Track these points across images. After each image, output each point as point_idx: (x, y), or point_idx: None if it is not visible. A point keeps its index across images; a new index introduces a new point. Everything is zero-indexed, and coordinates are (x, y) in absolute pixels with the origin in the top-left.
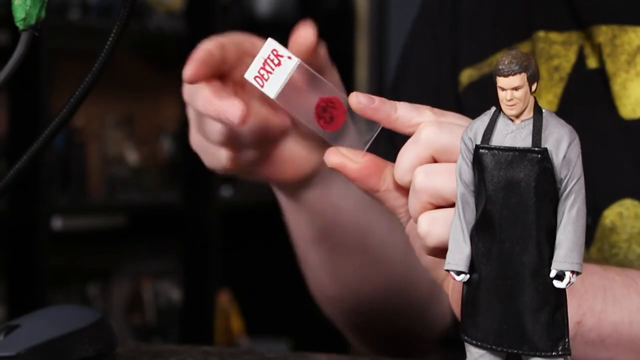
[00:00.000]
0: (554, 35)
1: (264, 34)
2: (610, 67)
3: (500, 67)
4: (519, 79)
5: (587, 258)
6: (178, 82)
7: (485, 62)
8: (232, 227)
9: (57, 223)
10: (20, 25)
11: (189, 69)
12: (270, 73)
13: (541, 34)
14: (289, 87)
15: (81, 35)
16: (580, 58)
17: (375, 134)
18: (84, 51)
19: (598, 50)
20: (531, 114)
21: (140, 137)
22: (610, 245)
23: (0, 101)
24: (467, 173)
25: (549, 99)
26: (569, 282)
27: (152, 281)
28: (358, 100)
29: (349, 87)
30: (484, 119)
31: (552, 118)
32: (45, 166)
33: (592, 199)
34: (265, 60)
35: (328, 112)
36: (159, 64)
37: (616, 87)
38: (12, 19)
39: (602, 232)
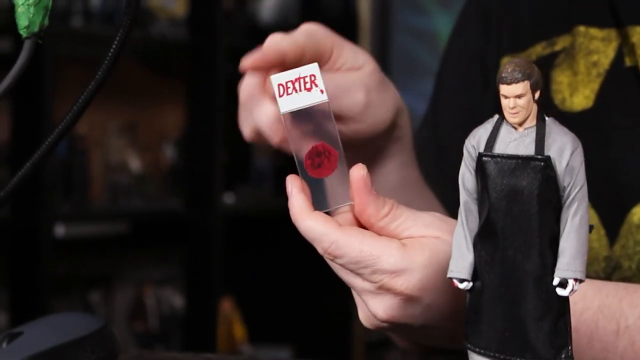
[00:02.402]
0: (595, 31)
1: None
2: None
3: (503, 74)
4: (522, 87)
5: (610, 254)
6: (181, 89)
7: (524, 52)
8: (235, 234)
9: (60, 230)
10: (23, 32)
11: (251, 62)
12: (296, 92)
13: (581, 28)
14: (301, 114)
15: (84, 43)
16: (619, 55)
17: (341, 207)
18: (87, 58)
19: (632, 49)
20: (534, 122)
21: (142, 144)
22: (635, 242)
23: (3, 108)
24: (470, 181)
25: (586, 94)
26: (572, 289)
27: (155, 288)
28: (363, 175)
29: None
30: (487, 127)
31: (555, 126)
32: (48, 173)
33: (620, 196)
34: (299, 78)
35: (320, 159)
36: (162, 71)
37: None
38: (15, 26)
39: (628, 229)
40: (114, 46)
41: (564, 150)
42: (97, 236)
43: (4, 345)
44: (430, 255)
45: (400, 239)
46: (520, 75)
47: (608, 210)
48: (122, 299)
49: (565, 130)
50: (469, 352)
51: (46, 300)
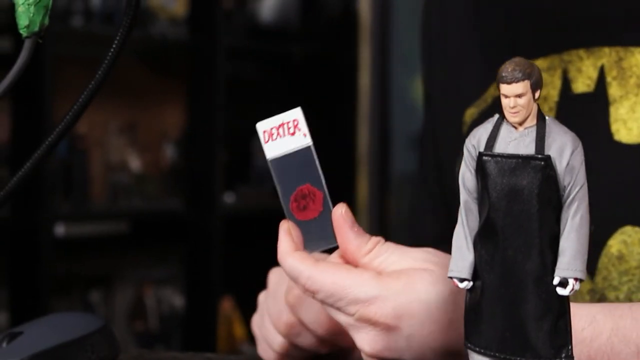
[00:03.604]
0: (540, 62)
1: (266, 41)
2: (615, 90)
3: (503, 74)
4: (522, 87)
5: (593, 287)
6: (181, 88)
7: (481, 98)
8: (235, 233)
9: (60, 230)
10: (23, 32)
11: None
12: (280, 137)
13: None
14: (287, 158)
15: (84, 42)
16: (565, 82)
17: (327, 248)
18: (87, 58)
19: (600, 72)
20: (534, 121)
21: (143, 144)
22: (620, 274)
23: (4, 108)
24: (470, 180)
25: None
26: (572, 289)
27: (155, 288)
28: (342, 213)
29: (352, 95)
30: (487, 126)
31: (555, 125)
32: (48, 173)
33: (594, 229)
34: (283, 124)
35: (305, 200)
36: (162, 71)
37: (622, 110)
38: (15, 26)
39: (608, 261)
40: (114, 46)
41: (564, 150)
42: (97, 236)
43: (4, 344)
44: (405, 282)
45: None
46: (520, 75)
47: None
48: (122, 299)
49: (565, 129)
50: (469, 351)
51: (46, 300)
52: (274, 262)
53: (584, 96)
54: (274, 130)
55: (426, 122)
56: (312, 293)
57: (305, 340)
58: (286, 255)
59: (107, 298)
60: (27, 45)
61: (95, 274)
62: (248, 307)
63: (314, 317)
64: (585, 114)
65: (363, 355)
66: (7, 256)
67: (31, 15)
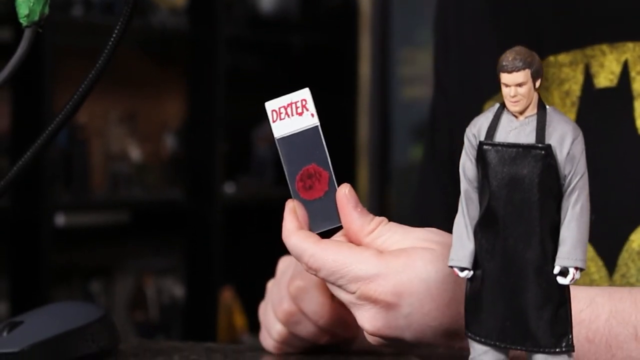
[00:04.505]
0: (563, 57)
1: (266, 31)
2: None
3: (504, 63)
4: (522, 76)
5: (611, 284)
6: (181, 78)
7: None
8: (235, 223)
9: (60, 220)
10: (23, 21)
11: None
12: (288, 116)
13: (551, 58)
14: (294, 137)
15: (84, 32)
16: (587, 77)
17: (331, 227)
18: (87, 48)
19: (624, 67)
20: (535, 110)
21: (143, 133)
22: (638, 270)
23: (4, 98)
24: (471, 169)
25: None
26: (573, 278)
27: (155, 278)
28: (346, 193)
29: (352, 84)
30: (488, 115)
31: (555, 114)
32: (48, 163)
33: (614, 224)
34: (291, 103)
35: (311, 180)
36: (162, 61)
37: None
38: (15, 15)
39: (628, 257)
40: (114, 35)
41: (565, 139)
42: (97, 226)
43: (5, 334)
44: (406, 260)
45: None
46: (521, 64)
47: (603, 240)
48: (122, 289)
49: (566, 118)
50: (469, 340)
51: (46, 290)
52: (274, 252)
53: (606, 91)
54: (282, 110)
55: (439, 115)
56: (314, 271)
57: (305, 330)
58: (290, 234)
59: (107, 288)
60: (27, 34)
61: (95, 264)
62: (248, 297)
63: (315, 308)
64: (609, 108)
65: (365, 334)
66: (7, 246)
67: (31, 4)
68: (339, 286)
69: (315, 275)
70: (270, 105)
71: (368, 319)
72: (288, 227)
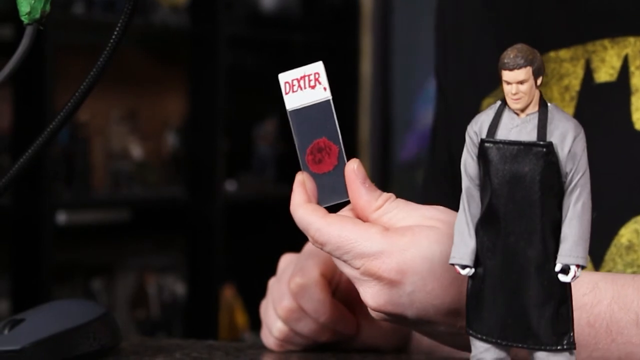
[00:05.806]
0: (563, 53)
1: (267, 30)
2: (638, 80)
3: (505, 60)
4: (524, 73)
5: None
6: (183, 76)
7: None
8: (236, 221)
9: (61, 218)
10: (25, 19)
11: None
12: (301, 89)
13: (552, 54)
14: (306, 110)
15: (86, 30)
16: (588, 72)
17: (338, 202)
18: (89, 45)
19: (624, 61)
20: (536, 108)
21: (144, 131)
22: (625, 265)
23: (5, 95)
24: (472, 167)
25: None
26: (574, 276)
27: (157, 276)
28: (354, 168)
29: (353, 83)
30: (489, 113)
31: (557, 112)
32: (50, 161)
33: (607, 217)
34: (304, 76)
35: (321, 154)
36: (164, 59)
37: None
38: (17, 12)
39: (616, 252)
40: (115, 33)
41: (566, 136)
42: (98, 224)
43: (6, 331)
44: (411, 239)
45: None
46: (522, 61)
47: (592, 234)
48: (123, 287)
49: (568, 116)
50: (471, 338)
51: (48, 288)
52: (276, 250)
53: (605, 86)
54: (295, 82)
55: (439, 115)
56: (320, 245)
57: (306, 327)
58: (298, 207)
59: (108, 286)
60: (28, 32)
61: (96, 262)
62: (250, 295)
63: (315, 305)
64: (607, 103)
65: (369, 310)
66: (8, 244)
67: (32, 2)
68: (344, 261)
69: (321, 249)
70: (284, 77)
71: (371, 295)
72: (296, 199)
